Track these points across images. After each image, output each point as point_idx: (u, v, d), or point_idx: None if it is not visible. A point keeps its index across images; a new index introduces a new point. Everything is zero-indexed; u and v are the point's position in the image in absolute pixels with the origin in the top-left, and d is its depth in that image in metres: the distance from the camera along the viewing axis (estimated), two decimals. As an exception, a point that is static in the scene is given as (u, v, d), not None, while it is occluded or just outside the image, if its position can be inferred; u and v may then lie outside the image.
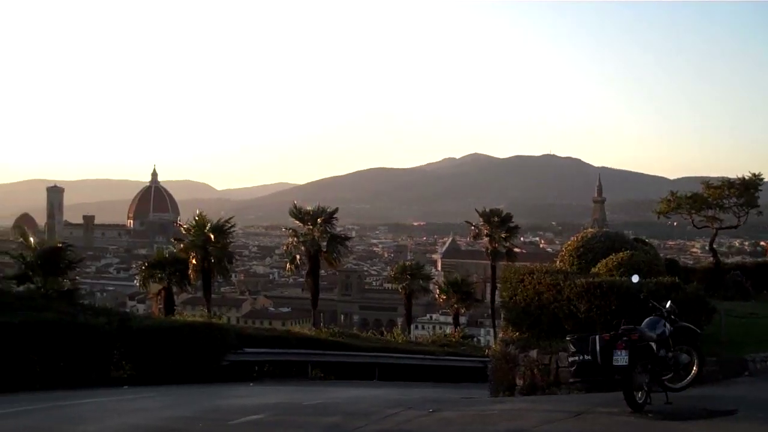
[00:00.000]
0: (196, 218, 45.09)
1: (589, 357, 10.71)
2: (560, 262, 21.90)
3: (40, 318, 21.26)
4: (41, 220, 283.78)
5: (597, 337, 10.80)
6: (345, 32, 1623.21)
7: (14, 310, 21.85)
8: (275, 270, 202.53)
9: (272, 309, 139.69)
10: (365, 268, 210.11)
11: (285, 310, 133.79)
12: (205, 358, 23.93)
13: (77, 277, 32.85)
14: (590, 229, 26.80)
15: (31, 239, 32.62)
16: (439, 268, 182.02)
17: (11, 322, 20.20)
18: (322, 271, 58.59)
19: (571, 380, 12.61)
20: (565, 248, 22.84)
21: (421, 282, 63.67)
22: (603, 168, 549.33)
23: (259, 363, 28.63)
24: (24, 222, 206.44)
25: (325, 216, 49.73)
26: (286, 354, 28.58)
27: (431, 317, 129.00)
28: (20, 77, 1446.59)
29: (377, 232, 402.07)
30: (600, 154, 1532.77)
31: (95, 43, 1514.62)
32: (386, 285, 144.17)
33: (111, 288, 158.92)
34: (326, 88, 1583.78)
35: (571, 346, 11.11)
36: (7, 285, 29.63)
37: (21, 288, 30.48)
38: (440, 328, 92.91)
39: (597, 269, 19.00)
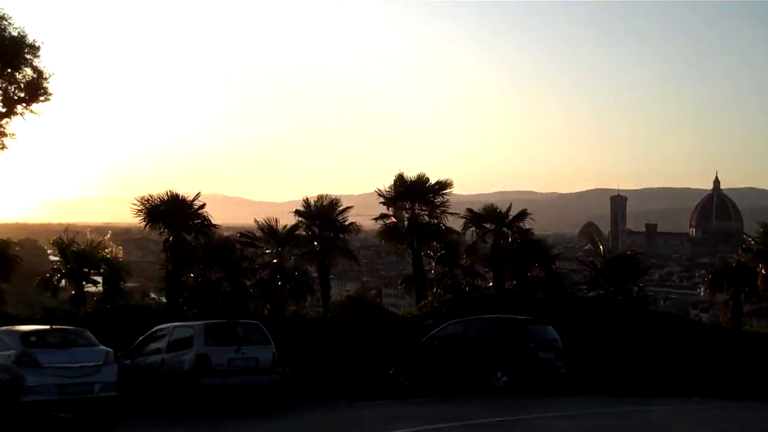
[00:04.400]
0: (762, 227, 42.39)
1: None
2: None
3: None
4: (604, 228, 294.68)
5: None
6: None
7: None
8: None
9: None
10: None
11: None
12: None
13: (641, 285, 33.68)
14: None
15: (601, 247, 34.52)
16: None
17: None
18: None
19: None
20: None
21: None
22: None
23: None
24: (589, 230, 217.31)
25: None
26: None
27: None
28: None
29: None
30: None
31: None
32: None
33: (674, 296, 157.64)
34: None
35: None
36: (577, 291, 31.99)
37: (591, 294, 32.55)
38: None
39: None
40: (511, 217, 35.20)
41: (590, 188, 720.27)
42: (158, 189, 32.01)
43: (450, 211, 35.11)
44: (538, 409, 16.09)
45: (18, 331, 16.36)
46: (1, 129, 25.00)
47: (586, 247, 38.27)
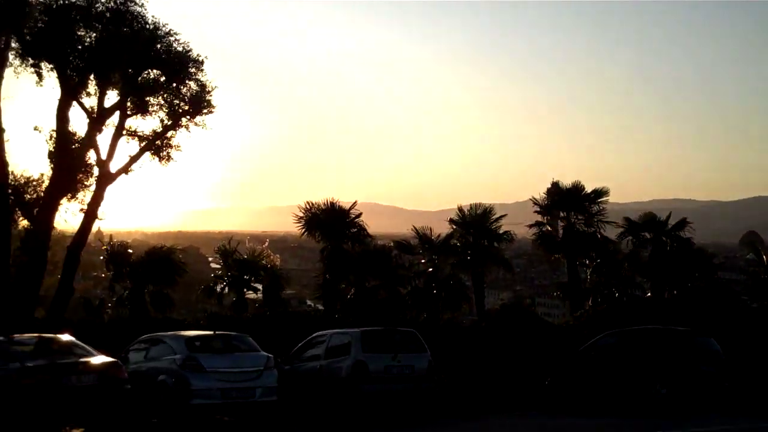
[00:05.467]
0: None
1: None
2: None
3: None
4: (767, 237, 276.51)
5: None
6: None
7: None
8: None
9: None
10: None
11: None
12: None
13: None
14: None
15: (764, 256, 32.49)
16: None
17: None
18: None
19: None
20: None
21: None
22: None
23: None
24: (751, 239, 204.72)
25: None
26: None
27: None
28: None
29: None
30: None
31: None
32: None
33: None
34: None
35: None
36: (739, 301, 30.18)
37: (754, 305, 30.61)
38: None
39: None
40: (670, 226, 34.42)
41: (752, 196, 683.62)
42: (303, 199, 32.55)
43: (606, 219, 34.37)
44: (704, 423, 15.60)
45: (183, 337, 16.83)
46: (167, 141, 26.06)
47: (748, 256, 35.91)
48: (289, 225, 33.32)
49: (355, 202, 32.01)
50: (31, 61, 24.25)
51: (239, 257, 31.87)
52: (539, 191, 35.45)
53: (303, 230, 31.38)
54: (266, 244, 36.76)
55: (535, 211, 35.21)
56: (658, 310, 26.90)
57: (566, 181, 35.08)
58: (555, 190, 34.94)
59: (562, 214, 34.65)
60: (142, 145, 25.75)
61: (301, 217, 31.31)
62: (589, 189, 34.60)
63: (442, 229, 35.06)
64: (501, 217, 34.61)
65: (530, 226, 35.44)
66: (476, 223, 33.44)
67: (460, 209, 34.12)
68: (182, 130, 25.95)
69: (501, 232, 33.96)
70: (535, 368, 22.03)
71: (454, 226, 33.93)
